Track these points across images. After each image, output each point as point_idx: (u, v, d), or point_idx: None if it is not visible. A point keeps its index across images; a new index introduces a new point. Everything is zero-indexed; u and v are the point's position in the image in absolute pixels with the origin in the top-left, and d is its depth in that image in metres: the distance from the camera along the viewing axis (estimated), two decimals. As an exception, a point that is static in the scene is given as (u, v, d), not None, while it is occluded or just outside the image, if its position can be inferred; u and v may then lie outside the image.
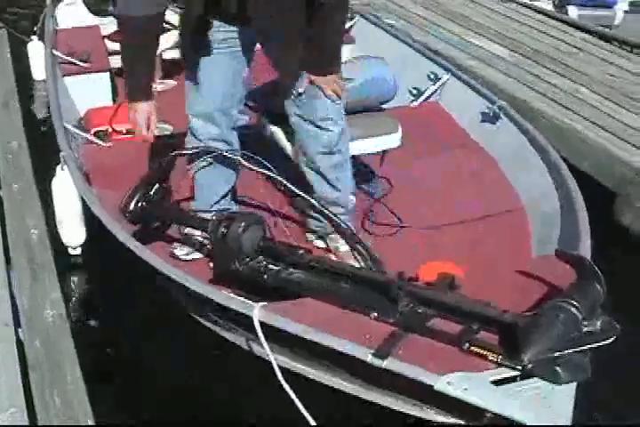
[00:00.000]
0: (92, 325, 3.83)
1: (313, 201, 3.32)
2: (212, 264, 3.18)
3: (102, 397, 2.88)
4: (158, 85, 5.73)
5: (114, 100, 5.41)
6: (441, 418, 2.75)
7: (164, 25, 5.33)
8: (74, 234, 4.20)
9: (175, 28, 5.30)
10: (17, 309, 2.97)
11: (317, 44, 3.22)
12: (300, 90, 3.29)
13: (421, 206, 4.00)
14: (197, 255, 3.46)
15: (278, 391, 2.54)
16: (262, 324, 2.63)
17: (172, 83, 5.83)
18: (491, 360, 2.40)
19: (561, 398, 2.28)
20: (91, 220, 3.79)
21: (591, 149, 4.87)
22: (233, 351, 3.17)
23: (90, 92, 5.17)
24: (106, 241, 3.47)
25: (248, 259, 2.93)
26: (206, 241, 3.20)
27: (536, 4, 8.25)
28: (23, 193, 3.85)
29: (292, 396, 2.53)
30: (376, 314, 2.64)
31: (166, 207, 3.46)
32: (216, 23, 3.19)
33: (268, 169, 3.28)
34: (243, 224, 2.89)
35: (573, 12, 8.24)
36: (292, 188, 3.28)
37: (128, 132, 4.64)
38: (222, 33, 3.21)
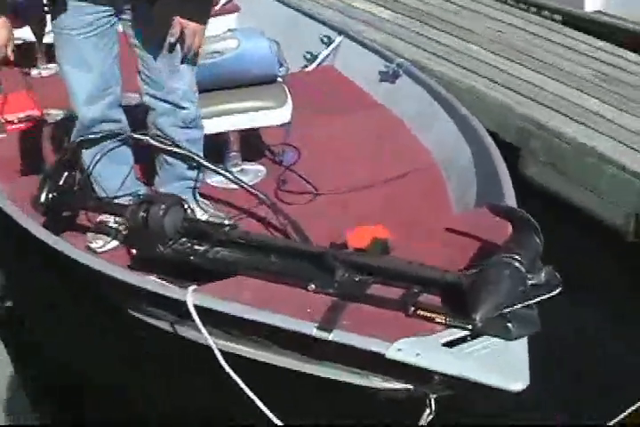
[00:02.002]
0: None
1: (228, 174, 3.23)
2: (133, 251, 3.02)
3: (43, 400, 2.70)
4: (42, 71, 5.58)
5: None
6: (388, 385, 2.70)
7: (46, 8, 5.18)
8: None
9: None
10: None
11: None
12: (172, 39, 3.16)
13: (332, 172, 3.91)
14: (113, 244, 3.34)
15: (222, 377, 2.46)
16: (197, 308, 2.52)
17: (56, 67, 5.61)
18: (438, 322, 2.35)
19: (515, 354, 2.24)
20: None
21: (490, 106, 4.87)
22: (171, 341, 3.07)
23: None
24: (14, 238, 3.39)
25: (171, 242, 2.81)
26: (122, 227, 3.07)
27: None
28: None
29: (237, 379, 2.45)
30: (314, 286, 2.56)
31: (80, 196, 3.32)
32: (82, 6, 3.15)
33: (177, 146, 3.28)
34: (163, 206, 2.79)
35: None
36: (205, 162, 3.24)
37: (20, 121, 4.51)
38: (91, 15, 3.17)
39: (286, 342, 2.58)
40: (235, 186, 3.63)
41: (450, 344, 2.27)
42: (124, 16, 3.22)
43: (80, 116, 3.36)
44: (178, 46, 3.24)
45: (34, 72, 5.57)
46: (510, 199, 3.14)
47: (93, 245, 3.36)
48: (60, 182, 3.23)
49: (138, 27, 3.22)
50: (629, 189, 4.11)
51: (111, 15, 3.21)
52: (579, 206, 4.38)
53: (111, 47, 3.29)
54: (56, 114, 4.64)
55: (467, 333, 2.29)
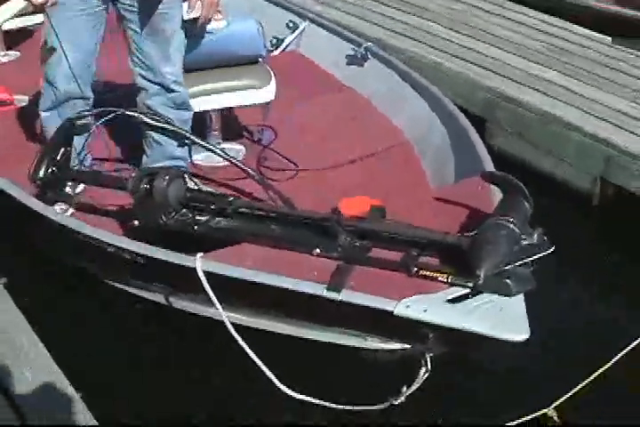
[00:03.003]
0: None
1: (220, 151, 3.34)
2: (135, 222, 3.08)
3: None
4: (2, 58, 5.54)
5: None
6: (385, 346, 2.84)
7: None
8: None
9: None
10: None
11: None
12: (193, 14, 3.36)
13: (310, 150, 4.02)
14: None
15: (226, 349, 2.56)
16: (206, 274, 2.61)
17: (15, 53, 5.64)
18: (441, 281, 2.50)
19: (515, 309, 2.39)
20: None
21: (454, 80, 4.99)
22: (166, 314, 3.14)
23: None
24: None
25: (174, 212, 2.90)
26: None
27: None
28: None
29: (244, 346, 2.57)
30: (318, 251, 2.68)
31: (78, 170, 3.38)
32: None
33: (170, 123, 3.42)
34: (167, 177, 2.87)
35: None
36: (198, 140, 3.42)
37: None
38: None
39: (292, 306, 2.69)
40: (218, 164, 3.74)
41: (453, 301, 2.42)
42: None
43: (56, 90, 3.46)
44: (170, 31, 3.40)
45: None
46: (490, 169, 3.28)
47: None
48: (58, 158, 3.29)
49: (133, 11, 3.34)
50: (593, 154, 4.31)
51: None
52: (546, 173, 4.56)
53: (99, 27, 3.42)
54: (22, 99, 4.67)
55: (468, 290, 2.43)
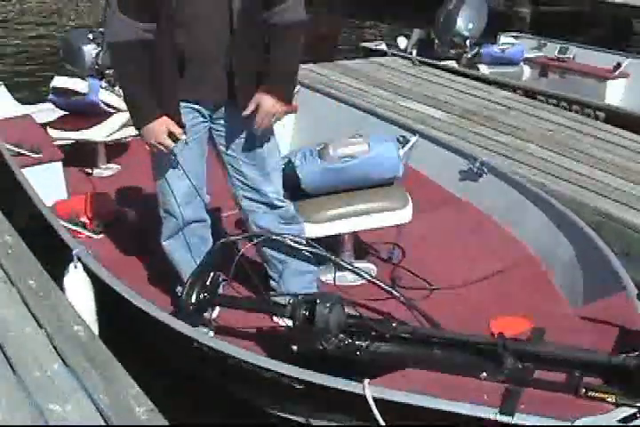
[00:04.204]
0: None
1: (364, 274, 3.47)
2: (293, 347, 3.16)
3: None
4: (103, 171, 5.83)
5: (68, 191, 5.37)
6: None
7: (106, 108, 5.47)
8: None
9: (116, 110, 5.41)
10: (101, 411, 2.88)
11: (272, 66, 3.39)
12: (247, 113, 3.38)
13: (437, 267, 4.11)
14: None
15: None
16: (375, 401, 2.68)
17: (116, 167, 5.91)
18: (608, 402, 2.55)
19: None
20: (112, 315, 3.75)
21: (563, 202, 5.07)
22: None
23: (46, 182, 5.06)
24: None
25: (333, 338, 2.98)
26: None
27: (443, 63, 8.59)
28: (43, 289, 3.65)
29: None
30: (485, 374, 2.74)
31: (231, 296, 3.49)
32: (191, 111, 3.39)
33: (310, 245, 3.59)
34: (328, 305, 2.96)
35: (484, 70, 8.57)
36: (342, 262, 3.58)
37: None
38: (190, 121, 3.39)
39: None
40: (351, 283, 3.86)
41: (624, 421, 2.48)
42: (215, 125, 3.48)
43: (175, 218, 3.58)
44: (266, 152, 3.52)
45: (96, 171, 5.83)
46: (631, 289, 3.34)
47: None
48: (208, 282, 3.40)
49: (230, 136, 3.49)
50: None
51: (206, 121, 3.47)
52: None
53: (204, 152, 3.56)
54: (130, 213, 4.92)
55: (636, 410, 2.49)
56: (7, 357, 3.15)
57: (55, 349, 3.20)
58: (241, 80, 3.32)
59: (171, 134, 3.30)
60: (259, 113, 3.34)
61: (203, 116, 3.42)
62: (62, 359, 3.13)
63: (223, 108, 3.42)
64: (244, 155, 3.51)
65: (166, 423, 2.76)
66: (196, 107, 3.39)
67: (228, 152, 3.53)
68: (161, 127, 3.28)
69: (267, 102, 3.33)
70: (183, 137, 3.33)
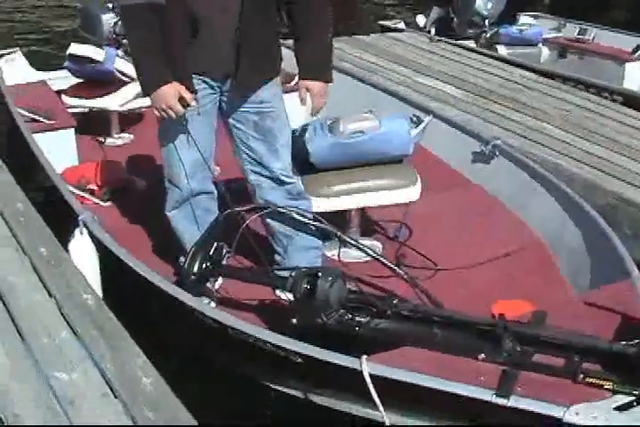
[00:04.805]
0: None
1: (367, 250, 3.48)
2: (293, 320, 3.16)
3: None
4: (116, 140, 5.85)
5: (79, 158, 5.36)
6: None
7: (121, 77, 5.47)
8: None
9: (131, 80, 5.38)
10: (107, 380, 2.89)
11: (305, 47, 3.45)
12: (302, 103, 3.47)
13: (443, 247, 4.10)
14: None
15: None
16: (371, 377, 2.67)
17: (129, 136, 5.92)
18: (606, 389, 2.54)
19: None
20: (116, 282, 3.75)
21: (572, 181, 5.00)
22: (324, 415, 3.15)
23: (57, 149, 5.10)
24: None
25: (333, 312, 2.98)
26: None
27: (459, 43, 8.53)
28: (54, 257, 3.65)
29: None
30: (483, 355, 2.74)
31: (234, 267, 3.48)
32: (200, 83, 3.37)
33: (316, 220, 3.59)
34: (329, 279, 2.95)
35: (502, 50, 8.49)
36: (347, 238, 3.59)
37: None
38: (199, 93, 3.37)
39: (458, 411, 2.73)
40: (355, 260, 3.86)
41: (620, 409, 2.47)
42: (225, 97, 3.46)
43: (180, 189, 3.58)
44: (276, 129, 3.51)
45: (108, 140, 5.85)
46: (636, 277, 3.31)
47: None
48: (211, 253, 3.39)
49: (239, 109, 3.47)
50: None
51: (215, 93, 3.44)
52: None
53: (213, 124, 3.53)
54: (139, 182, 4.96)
55: (633, 398, 2.48)
56: (16, 324, 3.16)
57: (64, 317, 3.20)
58: (246, 53, 3.30)
59: (181, 99, 3.27)
60: (312, 99, 3.40)
61: (212, 87, 3.40)
62: (71, 327, 3.13)
63: (232, 81, 3.40)
64: (253, 129, 3.50)
65: (172, 395, 2.75)
66: (205, 78, 3.37)
67: (238, 125, 3.52)
68: (171, 91, 3.25)
69: (315, 87, 3.39)
70: (194, 103, 3.30)
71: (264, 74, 3.42)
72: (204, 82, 3.37)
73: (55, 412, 2.66)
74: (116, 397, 2.74)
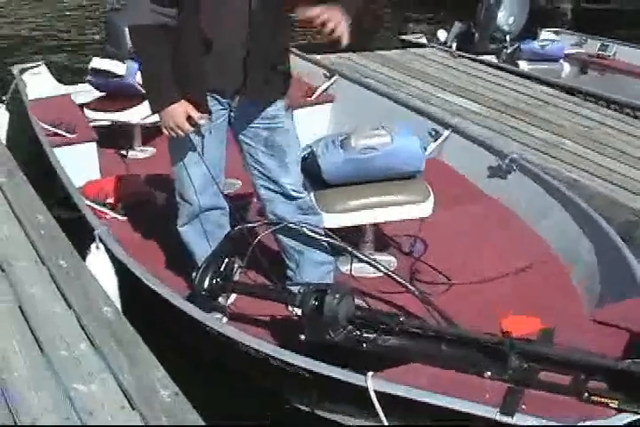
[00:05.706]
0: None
1: (380, 266, 3.47)
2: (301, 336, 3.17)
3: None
4: (138, 153, 5.90)
5: (101, 172, 5.42)
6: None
7: (143, 91, 5.50)
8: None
9: None
10: (125, 391, 2.91)
11: None
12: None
13: (458, 261, 4.10)
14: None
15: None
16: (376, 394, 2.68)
17: (151, 150, 5.97)
18: (611, 407, 2.53)
19: None
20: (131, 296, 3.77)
21: (591, 198, 5.00)
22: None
23: (79, 162, 5.16)
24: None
25: (341, 329, 2.99)
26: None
27: (482, 58, 8.55)
28: (73, 269, 3.69)
29: None
30: (489, 373, 2.73)
31: (244, 282, 3.50)
32: (211, 99, 3.38)
33: (328, 236, 3.59)
34: (337, 295, 2.96)
35: (524, 65, 8.50)
36: (358, 253, 3.55)
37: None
38: (214, 109, 3.39)
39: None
40: (368, 275, 3.87)
41: None
42: (235, 113, 3.47)
43: (191, 204, 3.60)
44: (285, 144, 3.51)
45: (131, 154, 5.89)
46: None
47: None
48: (222, 268, 3.41)
49: (249, 125, 3.48)
50: None
51: (225, 109, 3.46)
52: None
53: (223, 139, 3.55)
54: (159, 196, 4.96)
55: (638, 416, 2.48)
56: (35, 335, 3.19)
57: (83, 328, 3.23)
58: (254, 69, 3.30)
59: (189, 118, 3.30)
60: (331, 21, 3.09)
61: (221, 104, 3.42)
62: (89, 339, 3.17)
63: (241, 97, 3.41)
64: (263, 145, 3.51)
65: (190, 407, 2.77)
66: (215, 95, 3.38)
67: (247, 141, 3.53)
68: (180, 110, 3.28)
69: (332, 11, 3.10)
70: (202, 121, 3.32)
71: (273, 90, 3.42)
72: (215, 98, 3.39)
73: (73, 423, 2.69)
74: (133, 408, 2.77)
